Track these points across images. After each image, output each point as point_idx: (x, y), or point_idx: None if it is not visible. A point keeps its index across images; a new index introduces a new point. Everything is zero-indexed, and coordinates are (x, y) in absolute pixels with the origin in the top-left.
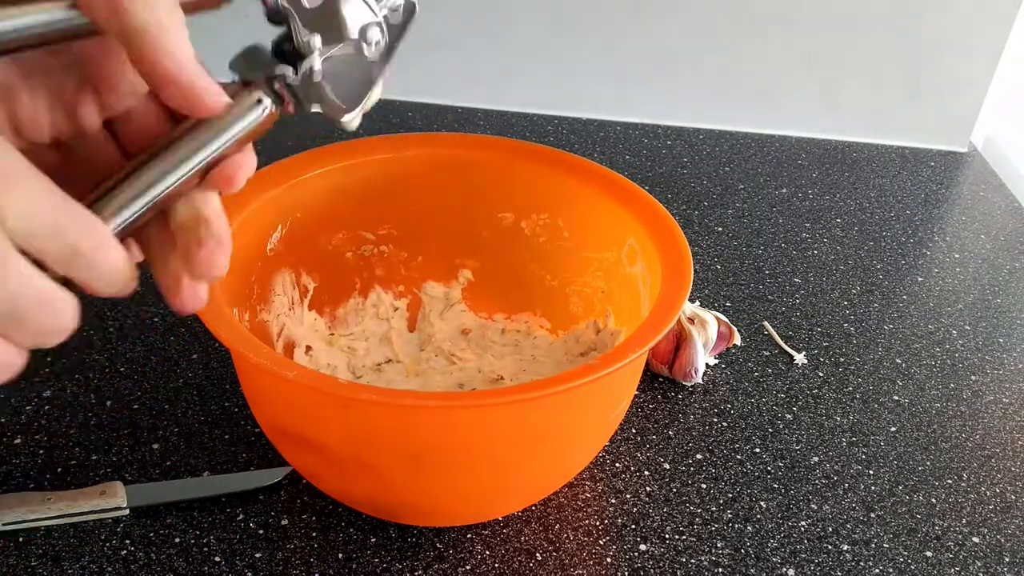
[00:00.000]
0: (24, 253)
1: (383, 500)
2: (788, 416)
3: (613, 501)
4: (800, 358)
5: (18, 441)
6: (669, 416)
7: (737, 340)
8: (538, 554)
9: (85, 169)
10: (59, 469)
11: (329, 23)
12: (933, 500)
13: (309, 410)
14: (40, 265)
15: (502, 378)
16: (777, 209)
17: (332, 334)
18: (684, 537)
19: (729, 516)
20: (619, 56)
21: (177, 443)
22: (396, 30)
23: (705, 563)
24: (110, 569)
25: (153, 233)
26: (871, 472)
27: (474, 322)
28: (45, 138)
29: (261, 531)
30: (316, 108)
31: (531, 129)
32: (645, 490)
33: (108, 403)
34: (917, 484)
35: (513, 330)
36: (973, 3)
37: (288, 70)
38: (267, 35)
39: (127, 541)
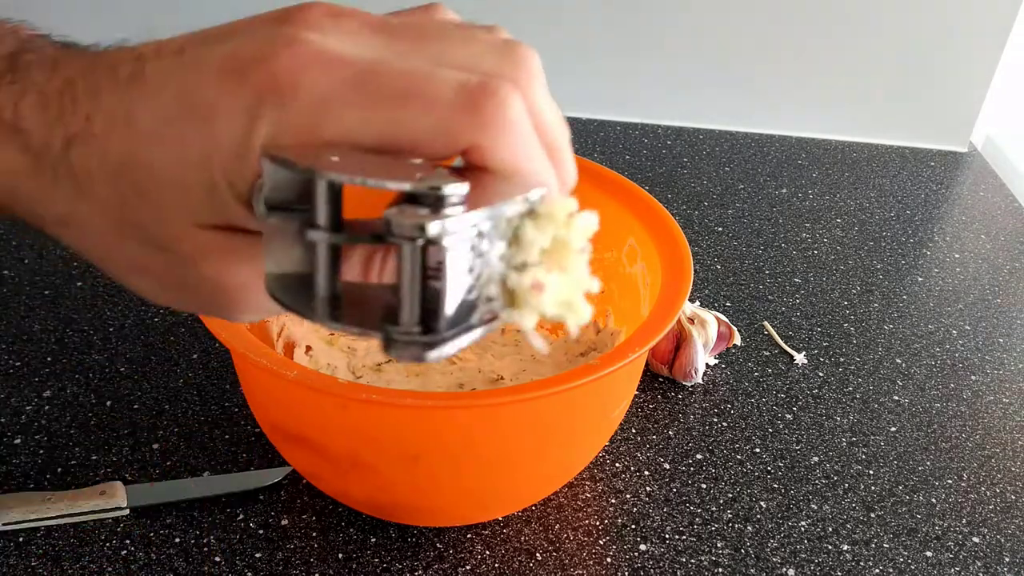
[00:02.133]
0: None
1: (383, 500)
2: (788, 416)
3: (613, 501)
4: (800, 358)
5: (18, 441)
6: (669, 416)
7: (737, 340)
8: (538, 554)
9: None
10: (59, 469)
11: None
12: (933, 500)
13: (309, 410)
14: None
15: (502, 378)
16: (777, 209)
17: (332, 334)
18: (684, 537)
19: (729, 516)
20: (619, 56)
21: (177, 443)
22: None
23: (705, 563)
24: (110, 569)
25: None
26: (871, 472)
27: None
28: None
29: (261, 531)
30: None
31: None
32: (645, 490)
33: (108, 403)
34: (917, 484)
35: (513, 330)
36: (973, 3)
37: None
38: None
39: (127, 541)
